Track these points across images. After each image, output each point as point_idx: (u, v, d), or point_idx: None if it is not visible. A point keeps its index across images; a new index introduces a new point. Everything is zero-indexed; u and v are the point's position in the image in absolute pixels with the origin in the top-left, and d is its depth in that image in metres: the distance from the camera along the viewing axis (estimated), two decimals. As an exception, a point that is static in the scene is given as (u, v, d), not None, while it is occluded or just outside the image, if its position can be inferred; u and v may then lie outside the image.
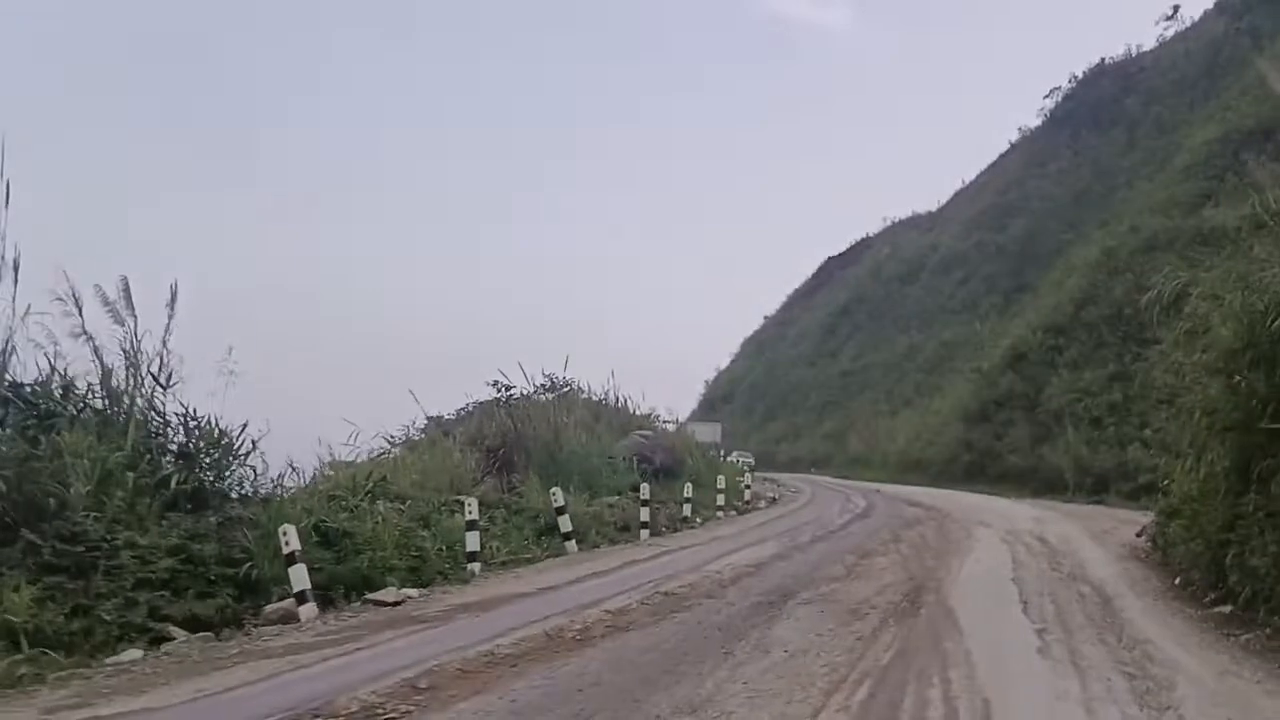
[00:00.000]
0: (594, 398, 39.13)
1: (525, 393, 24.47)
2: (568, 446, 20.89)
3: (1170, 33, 73.55)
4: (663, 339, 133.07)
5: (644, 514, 17.47)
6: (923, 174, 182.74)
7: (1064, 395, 39.83)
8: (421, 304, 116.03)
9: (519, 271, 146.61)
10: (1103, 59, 76.99)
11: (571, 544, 14.99)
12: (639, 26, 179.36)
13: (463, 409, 23.70)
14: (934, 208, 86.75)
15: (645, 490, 17.80)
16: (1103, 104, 71.90)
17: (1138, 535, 17.61)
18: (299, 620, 9.59)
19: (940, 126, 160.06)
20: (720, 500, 22.87)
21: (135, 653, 8.29)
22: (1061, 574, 13.06)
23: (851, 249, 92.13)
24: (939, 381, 56.98)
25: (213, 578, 10.20)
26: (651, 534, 17.59)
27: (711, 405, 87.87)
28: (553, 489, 15.32)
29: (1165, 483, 15.00)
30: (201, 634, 9.21)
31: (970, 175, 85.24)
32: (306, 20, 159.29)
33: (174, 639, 8.94)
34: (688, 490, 20.54)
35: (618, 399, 38.13)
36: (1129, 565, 14.07)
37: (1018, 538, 17.91)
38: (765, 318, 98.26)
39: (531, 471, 19.62)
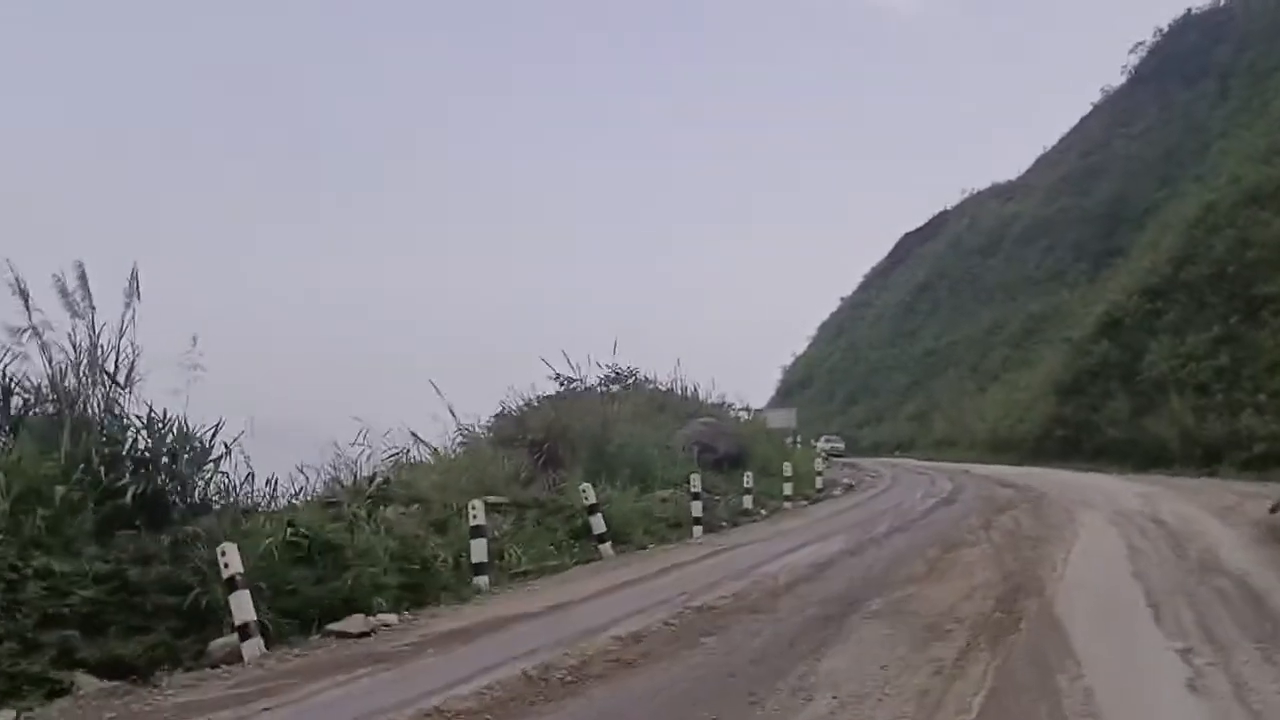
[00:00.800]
0: (660, 387, 37.44)
1: (581, 384, 22.46)
2: (619, 438, 18.86)
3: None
4: (741, 327, 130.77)
5: (695, 508, 15.39)
6: (1003, 144, 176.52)
7: (1166, 362, 36.73)
8: (489, 303, 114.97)
9: (601, 263, 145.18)
10: (1188, 10, 72.84)
11: (606, 547, 12.97)
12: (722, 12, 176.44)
13: (506, 406, 21.78)
14: (1014, 176, 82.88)
15: (696, 482, 15.62)
16: (1190, 57, 67.76)
17: (1273, 510, 15.06)
18: (244, 659, 7.75)
19: (1018, 94, 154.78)
20: (789, 489, 20.67)
21: (6, 714, 6.50)
22: (1190, 563, 10.69)
23: (929, 224, 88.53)
24: (1027, 356, 53.83)
25: (150, 609, 8.44)
26: (706, 530, 15.51)
27: (789, 392, 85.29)
28: (582, 485, 13.25)
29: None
30: (119, 682, 7.40)
31: (1052, 141, 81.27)
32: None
33: (76, 690, 7.15)
34: (747, 480, 18.34)
35: (684, 387, 36.32)
36: (1273, 550, 11.62)
37: (1128, 519, 15.46)
38: (842, 299, 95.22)
39: (579, 467, 17.67)
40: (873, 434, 66.63)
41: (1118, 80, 75.28)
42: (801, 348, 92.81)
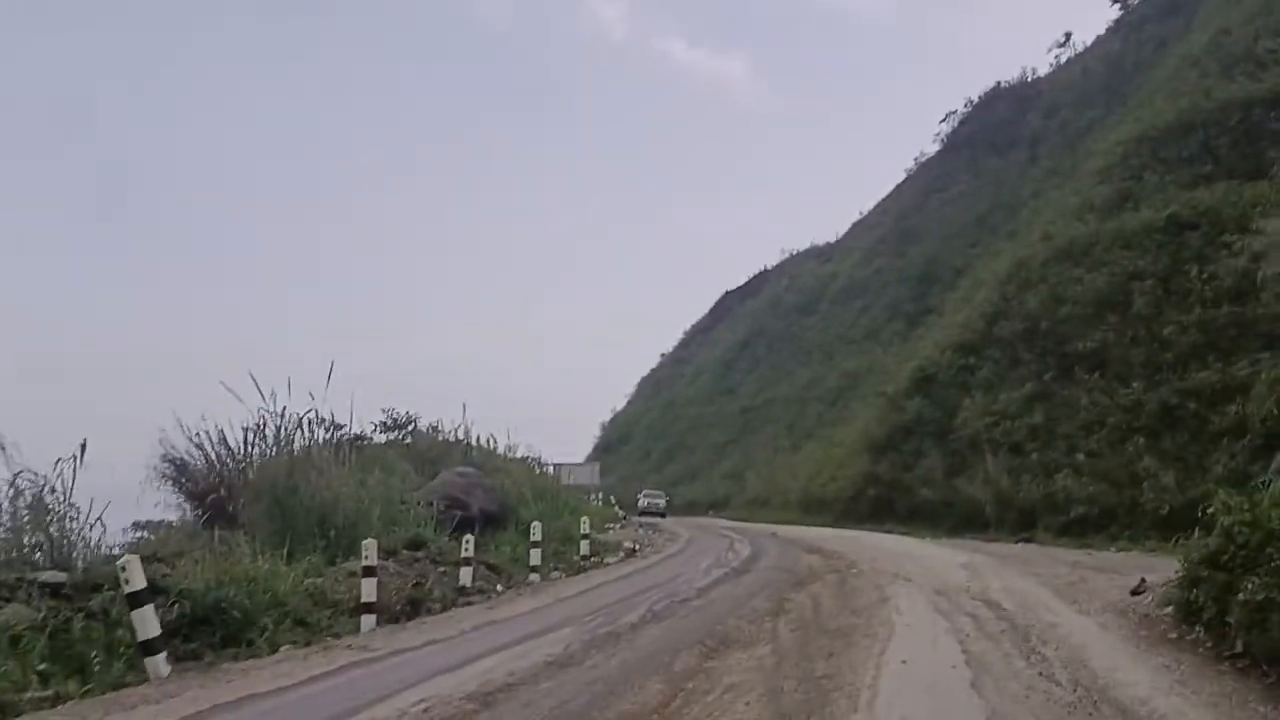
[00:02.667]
0: (447, 438, 32.83)
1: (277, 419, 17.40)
2: (319, 492, 14.02)
3: (1065, 58, 70.45)
4: (567, 384, 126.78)
5: (366, 589, 10.55)
6: (822, 209, 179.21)
7: (980, 420, 34.25)
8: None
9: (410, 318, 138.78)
10: (998, 83, 73.57)
11: (159, 660, 7.87)
12: (540, 73, 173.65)
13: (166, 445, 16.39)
14: (833, 239, 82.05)
15: (370, 553, 10.64)
16: (1001, 126, 68.13)
17: (1135, 592, 11.58)
18: None
19: (837, 162, 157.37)
20: (536, 558, 16.15)
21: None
22: (1061, 683, 6.84)
23: (750, 282, 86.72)
24: (841, 414, 51.32)
25: None
26: (391, 618, 10.81)
27: (608, 448, 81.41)
28: (124, 559, 8.28)
29: (1208, 511, 9.00)
30: None
31: (869, 206, 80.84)
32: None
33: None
34: (466, 546, 13.38)
35: (466, 438, 31.84)
36: (1160, 652, 7.94)
37: (955, 601, 11.75)
38: (662, 356, 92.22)
39: (262, 526, 12.86)
40: (688, 491, 63.07)
41: (932, 148, 75.13)
42: (621, 404, 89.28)
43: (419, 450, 30.88)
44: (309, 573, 11.42)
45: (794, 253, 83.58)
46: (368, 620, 10.18)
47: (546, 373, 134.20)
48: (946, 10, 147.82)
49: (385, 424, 33.07)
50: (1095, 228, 36.99)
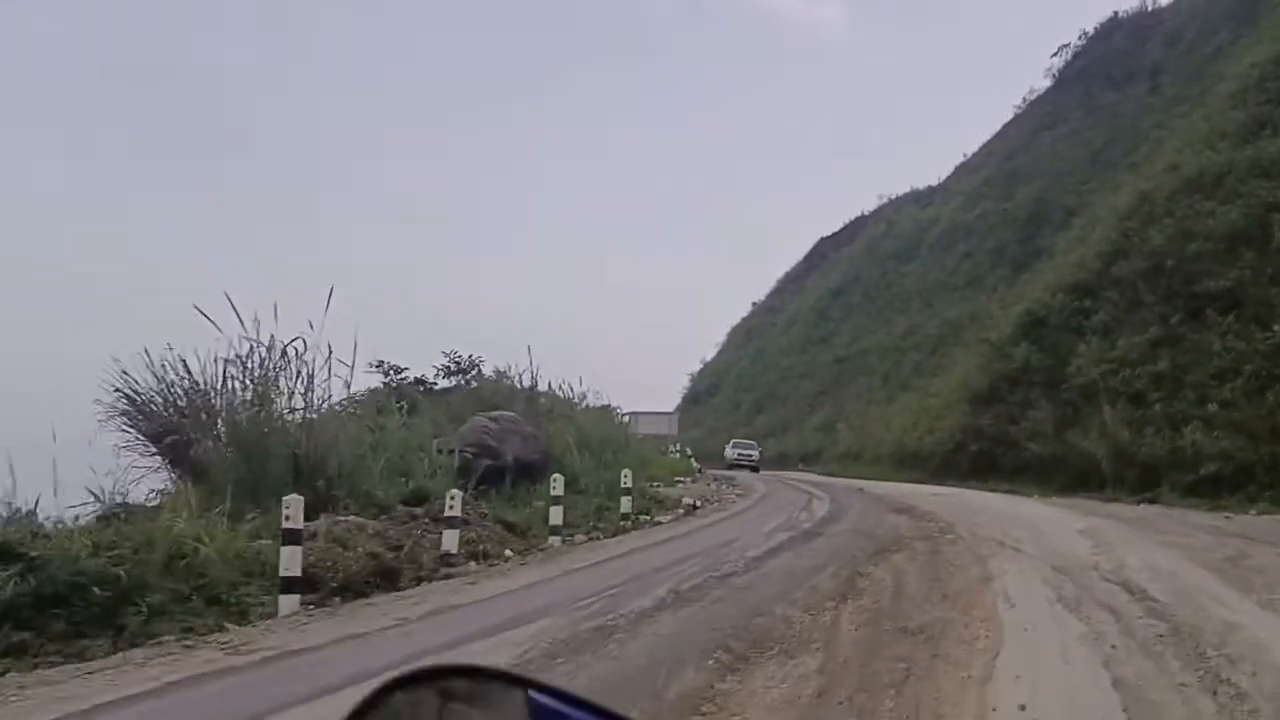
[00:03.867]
0: (512, 383, 30.66)
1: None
2: (294, 433, 11.61)
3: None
4: (653, 336, 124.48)
5: (286, 559, 7.71)
6: (923, 154, 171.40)
7: (1096, 368, 30.62)
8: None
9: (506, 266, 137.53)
10: (1115, 12, 67.65)
11: None
12: (630, 17, 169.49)
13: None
14: (934, 183, 77.26)
15: (291, 510, 7.95)
16: (1118, 58, 62.62)
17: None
18: None
19: (939, 105, 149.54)
20: (557, 517, 13.65)
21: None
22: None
23: (846, 228, 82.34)
24: (941, 363, 47.66)
25: None
26: (329, 597, 8.26)
27: (696, 399, 78.76)
28: None
29: None
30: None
31: (973, 148, 75.74)
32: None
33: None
34: (452, 504, 10.71)
35: (531, 382, 29.52)
36: None
37: (1082, 584, 8.87)
38: (754, 304, 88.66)
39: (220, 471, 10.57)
40: (778, 444, 60.08)
41: (1043, 83, 69.74)
42: (711, 354, 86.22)
43: (481, 396, 28.79)
44: (258, 533, 9.03)
45: (892, 197, 79.00)
46: (287, 601, 7.70)
47: (638, 325, 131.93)
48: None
49: (448, 368, 31.05)
50: (1228, 156, 32.72)
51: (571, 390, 32.25)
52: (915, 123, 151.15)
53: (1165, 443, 26.42)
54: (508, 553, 11.18)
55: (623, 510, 14.07)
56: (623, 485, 14.21)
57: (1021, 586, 8.67)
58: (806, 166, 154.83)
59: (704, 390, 79.99)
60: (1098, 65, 64.41)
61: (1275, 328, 26.39)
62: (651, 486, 21.70)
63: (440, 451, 14.40)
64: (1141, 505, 23.95)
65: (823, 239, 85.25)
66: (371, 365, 29.35)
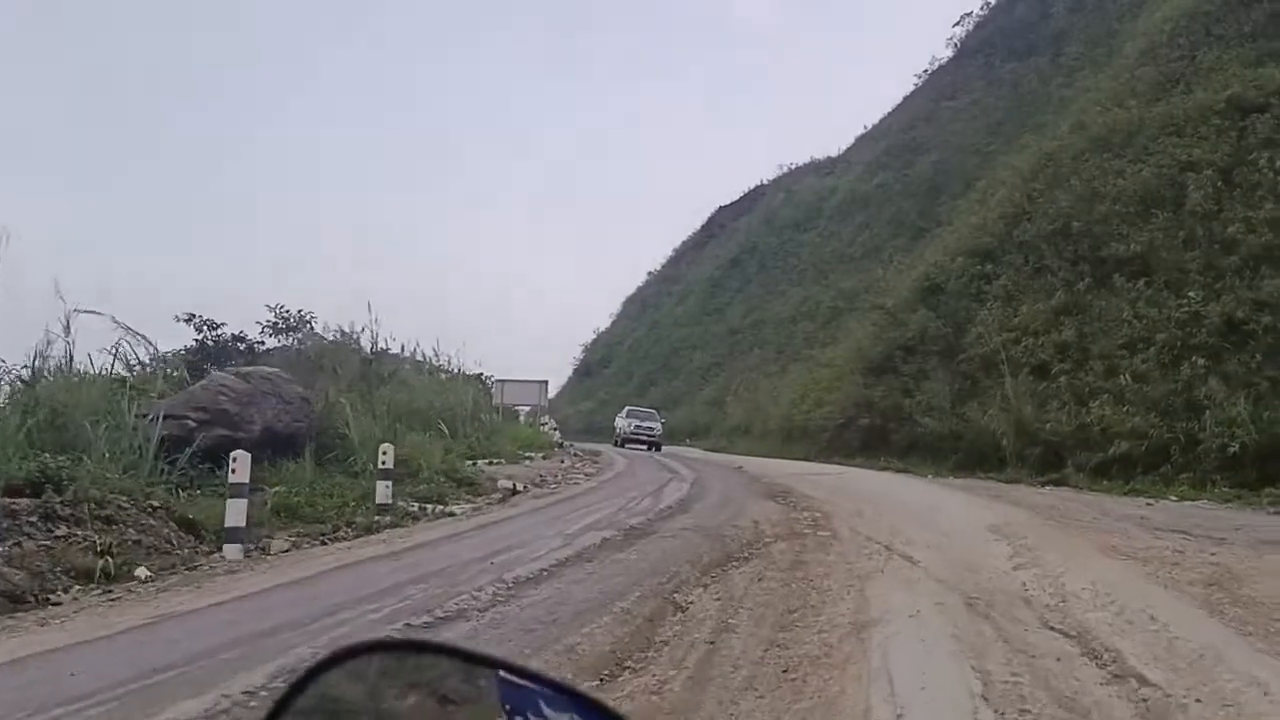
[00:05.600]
0: (348, 343, 26.79)
1: None
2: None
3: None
4: (550, 305, 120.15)
5: None
6: (826, 126, 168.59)
7: (996, 336, 27.68)
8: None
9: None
10: (1018, -17, 65.13)
11: None
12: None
13: None
14: (835, 154, 74.34)
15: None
16: (1020, 30, 60.13)
17: None
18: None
19: (842, 78, 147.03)
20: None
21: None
22: None
23: (744, 197, 78.97)
24: (836, 334, 44.62)
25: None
26: None
27: (588, 371, 75.00)
28: None
29: None
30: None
31: (874, 120, 72.94)
32: None
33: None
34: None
35: (370, 342, 25.56)
36: None
37: (1016, 644, 5.26)
38: (649, 274, 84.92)
39: None
40: (670, 418, 56.50)
41: (945, 55, 67.15)
42: (606, 324, 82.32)
43: (305, 357, 24.66)
44: None
45: (792, 167, 75.89)
46: None
47: (534, 296, 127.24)
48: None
49: (275, 324, 26.65)
50: (1139, 114, 29.97)
51: (427, 356, 28.38)
52: (820, 95, 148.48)
53: (1071, 419, 23.62)
54: (141, 572, 7.23)
55: (379, 500, 10.12)
56: (380, 465, 10.27)
57: (917, 652, 5.07)
58: (711, 137, 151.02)
59: (596, 362, 76.22)
60: (1000, 36, 62.06)
61: (1190, 294, 23.61)
62: (479, 464, 17.88)
63: (143, 417, 10.31)
64: (1048, 488, 21.04)
65: (721, 208, 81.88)
66: (180, 319, 24.95)
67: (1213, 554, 8.83)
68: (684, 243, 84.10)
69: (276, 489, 10.07)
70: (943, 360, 29.10)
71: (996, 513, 13.16)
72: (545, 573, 7.00)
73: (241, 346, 26.05)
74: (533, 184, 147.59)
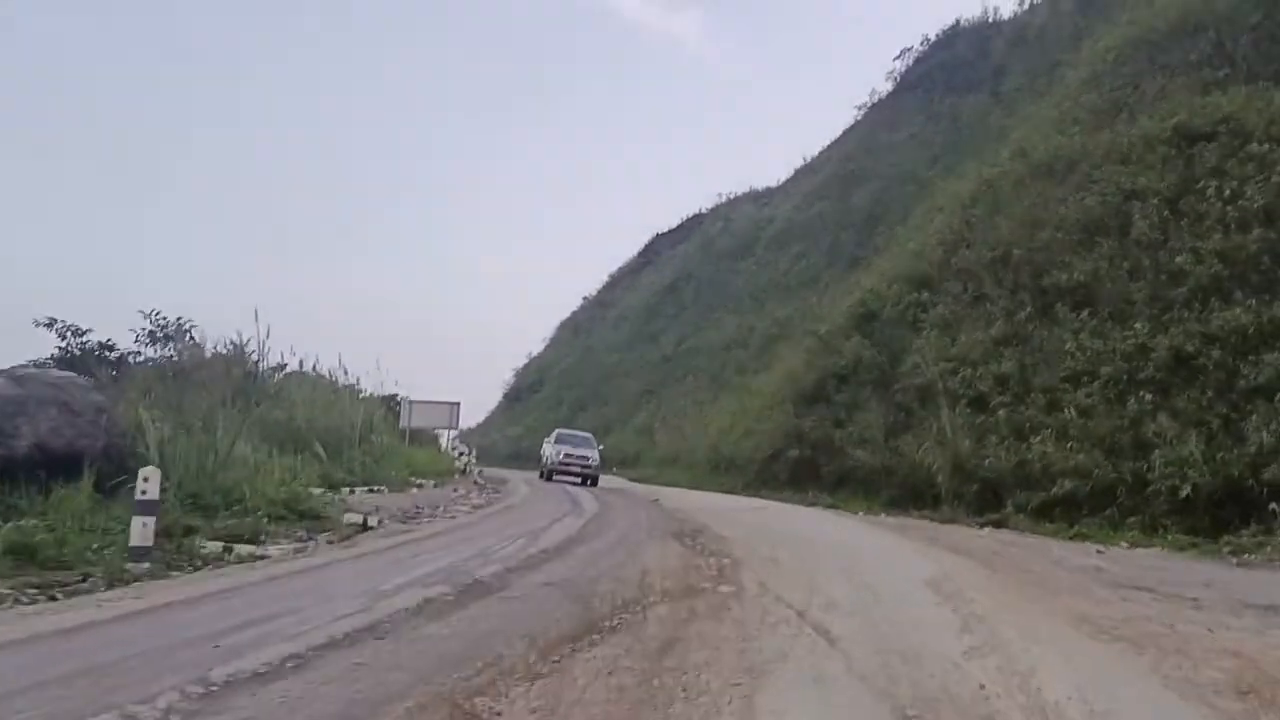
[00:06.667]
0: (232, 356, 24.27)
1: None
2: None
3: (1026, 6, 61.37)
4: (485, 330, 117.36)
5: None
6: (767, 159, 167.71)
7: (932, 366, 25.92)
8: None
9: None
10: (957, 20, 64.58)
11: None
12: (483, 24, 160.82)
13: None
14: (774, 184, 72.87)
15: None
16: (959, 66, 59.35)
17: None
18: None
19: (784, 112, 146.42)
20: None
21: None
22: None
23: (682, 225, 77.08)
24: (768, 362, 42.71)
25: None
26: None
27: (518, 396, 72.38)
28: None
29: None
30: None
31: (814, 152, 71.66)
32: None
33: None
34: None
35: (254, 356, 23.02)
36: None
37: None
38: (584, 299, 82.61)
39: None
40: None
41: (885, 89, 66.12)
42: (539, 349, 79.74)
43: (182, 369, 22.12)
44: None
45: (730, 196, 74.25)
46: None
47: (470, 317, 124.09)
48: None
49: (151, 334, 23.96)
50: (1082, 141, 28.64)
51: (328, 372, 26.01)
52: (761, 128, 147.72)
53: (1010, 455, 21.88)
54: None
55: (135, 541, 7.60)
56: (140, 494, 7.77)
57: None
58: (650, 166, 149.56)
59: (527, 387, 73.63)
60: (939, 71, 61.28)
61: (1136, 326, 22.00)
62: (355, 491, 15.46)
63: None
64: (987, 530, 19.12)
65: (658, 235, 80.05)
66: (40, 323, 22.25)
67: (1212, 632, 6.77)
68: (620, 269, 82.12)
69: (11, 524, 7.60)
70: (877, 390, 27.27)
71: (934, 561, 11.07)
72: (290, 663, 4.67)
73: (112, 355, 23.38)
74: (469, 206, 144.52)
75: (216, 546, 8.70)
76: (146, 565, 7.36)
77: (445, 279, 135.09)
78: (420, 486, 18.83)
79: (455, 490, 19.34)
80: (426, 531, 11.32)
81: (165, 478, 9.71)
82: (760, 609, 7.18)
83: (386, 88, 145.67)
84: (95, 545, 7.81)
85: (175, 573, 7.49)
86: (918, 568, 10.27)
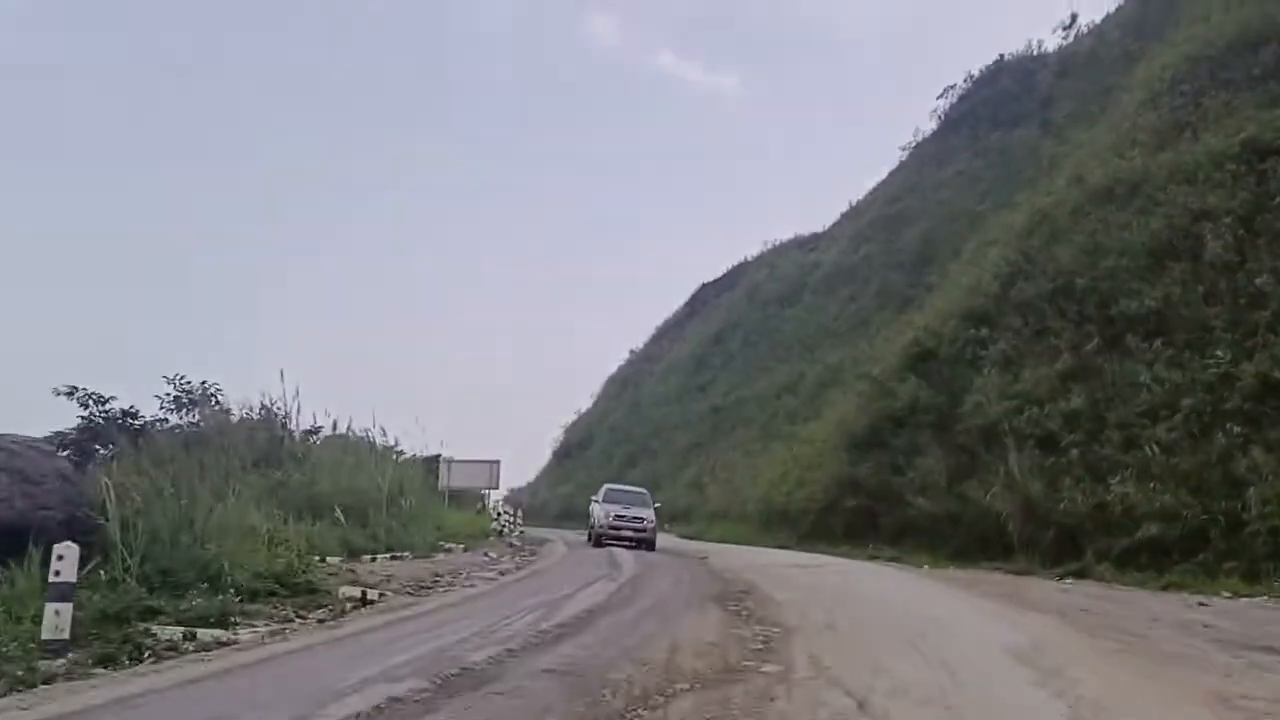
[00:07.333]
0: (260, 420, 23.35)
1: None
2: None
3: (1074, 35, 59.98)
4: (536, 388, 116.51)
5: None
6: (812, 205, 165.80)
7: (996, 405, 24.26)
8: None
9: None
10: (1001, 55, 63.25)
11: None
12: (532, 79, 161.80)
13: None
14: (820, 229, 71.51)
15: None
16: (1004, 101, 57.93)
17: None
18: None
19: (828, 160, 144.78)
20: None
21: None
22: None
23: (728, 274, 75.80)
24: (819, 409, 41.01)
25: None
26: None
27: (568, 453, 71.12)
28: None
29: None
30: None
31: (859, 196, 70.29)
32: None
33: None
34: None
35: (282, 418, 22.05)
36: None
37: None
38: (631, 352, 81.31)
39: None
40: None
41: (929, 128, 64.71)
42: (587, 405, 78.49)
43: (204, 436, 21.18)
44: None
45: (776, 243, 72.86)
46: None
47: (520, 375, 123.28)
48: (934, 8, 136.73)
49: (177, 399, 23.06)
50: (1143, 163, 26.96)
51: (367, 434, 25.08)
52: (805, 176, 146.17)
53: (1087, 498, 20.20)
54: None
55: (47, 634, 6.26)
56: (53, 575, 6.42)
57: None
58: (695, 216, 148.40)
59: (576, 444, 72.33)
60: (984, 107, 59.85)
61: (1218, 354, 20.29)
62: (378, 559, 14.25)
63: None
64: (1068, 581, 17.37)
65: (704, 285, 78.84)
66: (60, 392, 21.38)
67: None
68: (667, 321, 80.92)
69: None
70: (936, 433, 25.55)
71: (1018, 625, 9.48)
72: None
73: (136, 424, 22.48)
74: (517, 266, 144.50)
75: (177, 632, 7.43)
76: (63, 662, 6.11)
77: (494, 338, 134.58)
78: (449, 551, 17.53)
79: (486, 555, 17.99)
80: (433, 604, 9.95)
81: (129, 553, 8.52)
82: (811, 698, 5.73)
83: (443, 144, 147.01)
84: (21, 637, 6.57)
85: (102, 669, 6.20)
86: (1000, 634, 8.71)
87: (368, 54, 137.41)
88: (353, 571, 12.05)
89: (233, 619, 8.11)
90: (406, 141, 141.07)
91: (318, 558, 13.55)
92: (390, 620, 8.64)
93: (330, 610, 9.26)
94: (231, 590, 8.72)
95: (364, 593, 9.91)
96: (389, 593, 10.54)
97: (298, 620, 8.77)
